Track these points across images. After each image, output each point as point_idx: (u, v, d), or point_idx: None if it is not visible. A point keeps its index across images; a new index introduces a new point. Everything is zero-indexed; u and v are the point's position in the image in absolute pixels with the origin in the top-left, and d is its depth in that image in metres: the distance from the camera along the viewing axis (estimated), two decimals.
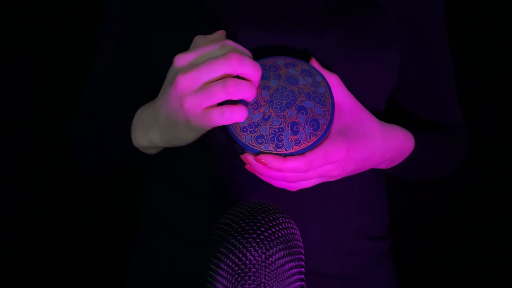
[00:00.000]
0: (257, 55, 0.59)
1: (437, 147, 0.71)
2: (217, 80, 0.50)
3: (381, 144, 0.60)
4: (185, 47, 0.60)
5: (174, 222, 0.68)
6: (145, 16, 0.67)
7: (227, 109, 0.51)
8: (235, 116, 0.51)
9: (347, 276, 0.66)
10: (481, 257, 1.17)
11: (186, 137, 0.55)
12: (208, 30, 0.61)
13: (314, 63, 0.58)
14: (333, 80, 0.57)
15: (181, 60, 0.52)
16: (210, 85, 0.50)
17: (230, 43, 0.52)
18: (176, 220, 0.68)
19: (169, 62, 0.62)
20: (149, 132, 0.58)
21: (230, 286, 0.47)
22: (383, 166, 0.65)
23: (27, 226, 1.15)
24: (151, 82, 0.68)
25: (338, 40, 0.61)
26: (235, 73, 0.50)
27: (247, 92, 0.50)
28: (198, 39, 0.54)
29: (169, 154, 0.69)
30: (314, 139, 0.53)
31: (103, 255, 1.21)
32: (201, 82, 0.50)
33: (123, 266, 0.80)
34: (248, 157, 0.54)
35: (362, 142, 0.57)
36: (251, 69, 0.51)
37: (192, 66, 0.51)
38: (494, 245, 1.16)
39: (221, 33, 0.55)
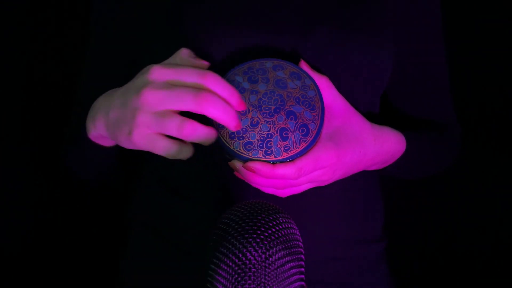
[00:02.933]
0: (244, 57, 0.58)
1: (429, 147, 0.70)
2: (176, 114, 0.48)
3: (372, 147, 0.59)
4: (169, 45, 0.59)
5: (165, 227, 0.67)
6: (132, 16, 0.67)
7: (174, 147, 0.49)
8: (179, 156, 0.50)
9: (339, 281, 0.66)
10: (479, 259, 1.17)
11: (124, 144, 0.52)
12: (193, 30, 0.61)
13: (304, 65, 0.56)
14: (323, 83, 0.56)
15: (157, 73, 0.49)
16: (168, 116, 0.47)
17: (209, 79, 0.48)
18: (167, 225, 0.67)
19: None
20: (96, 121, 0.55)
21: (230, 286, 0.47)
22: (374, 168, 0.65)
23: (17, 228, 1.15)
24: None
25: (328, 37, 0.60)
26: (202, 113, 0.48)
27: (203, 139, 0.49)
28: (184, 54, 0.52)
29: (159, 158, 0.68)
30: (303, 145, 0.52)
31: (93, 260, 1.21)
32: (164, 107, 0.48)
33: (113, 271, 0.79)
34: (237, 165, 0.52)
35: (353, 146, 0.56)
36: (222, 116, 0.48)
37: (164, 86, 0.48)
38: (492, 246, 1.16)
39: (205, 64, 0.53)
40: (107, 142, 0.60)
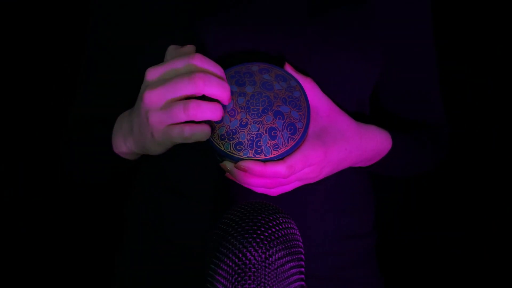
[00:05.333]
0: (231, 60, 0.59)
1: (415, 146, 0.71)
2: (180, 100, 0.50)
3: (358, 145, 0.60)
4: (161, 51, 0.60)
5: (161, 225, 0.67)
6: (129, 21, 0.67)
7: (187, 128, 0.51)
8: (196, 136, 0.51)
9: (332, 276, 0.66)
10: (470, 257, 1.18)
11: (154, 149, 0.56)
12: (180, 31, 0.62)
13: (288, 68, 0.58)
14: (308, 84, 0.57)
15: (151, 74, 0.52)
16: (172, 105, 0.50)
17: (197, 60, 0.51)
18: (163, 223, 0.67)
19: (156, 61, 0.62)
20: (126, 139, 0.60)
21: (230, 286, 0.47)
22: (360, 165, 0.66)
23: (15, 227, 1.15)
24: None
25: (316, 38, 0.61)
26: (200, 94, 0.50)
27: (209, 114, 0.51)
28: (171, 49, 0.54)
29: (156, 156, 0.69)
30: (292, 143, 0.53)
31: (89, 257, 1.21)
32: (165, 99, 0.51)
33: (109, 269, 0.79)
34: (228, 166, 0.54)
35: (339, 144, 0.57)
36: (217, 90, 0.51)
37: (160, 82, 0.51)
38: (484, 243, 1.16)
39: (191, 47, 0.55)
40: (133, 157, 0.64)
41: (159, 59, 0.63)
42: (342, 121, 0.59)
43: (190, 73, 0.50)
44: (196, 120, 0.50)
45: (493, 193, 1.14)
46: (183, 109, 0.50)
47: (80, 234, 1.20)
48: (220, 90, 0.51)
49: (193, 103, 0.50)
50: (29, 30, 1.11)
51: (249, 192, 0.61)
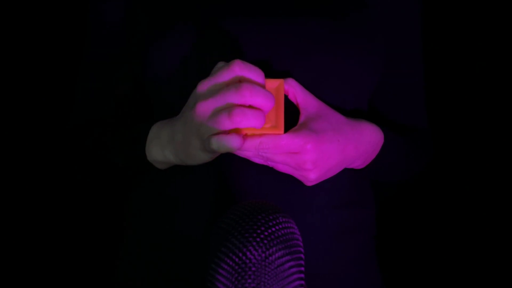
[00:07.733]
0: (234, 42, 0.62)
1: (405, 142, 0.72)
2: (224, 108, 0.52)
3: (352, 136, 0.61)
4: (170, 46, 0.62)
5: (161, 225, 0.67)
6: (134, 16, 0.68)
7: (216, 138, 0.52)
8: (229, 145, 0.52)
9: (328, 273, 0.66)
10: (470, 257, 1.18)
11: (200, 158, 0.57)
12: (190, 24, 0.63)
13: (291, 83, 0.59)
14: (292, 82, 0.59)
15: (201, 86, 0.54)
16: (218, 113, 0.52)
17: (238, 67, 0.52)
18: (163, 222, 0.67)
19: (158, 63, 0.63)
20: (165, 149, 0.60)
21: (231, 285, 0.47)
22: (359, 162, 0.66)
23: (13, 227, 1.15)
24: (141, 83, 0.69)
25: (316, 37, 0.62)
26: (247, 104, 0.52)
27: (253, 121, 0.52)
28: (219, 64, 0.56)
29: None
30: None
31: (89, 256, 1.20)
32: (212, 110, 0.52)
33: (110, 268, 0.79)
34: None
35: (330, 134, 0.58)
36: (262, 100, 0.52)
37: (210, 94, 0.53)
38: (483, 243, 1.16)
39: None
40: (165, 166, 0.64)
41: (165, 57, 0.63)
42: (332, 115, 0.60)
43: (237, 83, 0.52)
44: (240, 126, 0.52)
45: (493, 193, 1.14)
46: (228, 116, 0.51)
47: (80, 233, 1.20)
48: (265, 100, 0.52)
49: (238, 110, 0.51)
50: (29, 30, 1.11)
51: (248, 191, 0.62)
